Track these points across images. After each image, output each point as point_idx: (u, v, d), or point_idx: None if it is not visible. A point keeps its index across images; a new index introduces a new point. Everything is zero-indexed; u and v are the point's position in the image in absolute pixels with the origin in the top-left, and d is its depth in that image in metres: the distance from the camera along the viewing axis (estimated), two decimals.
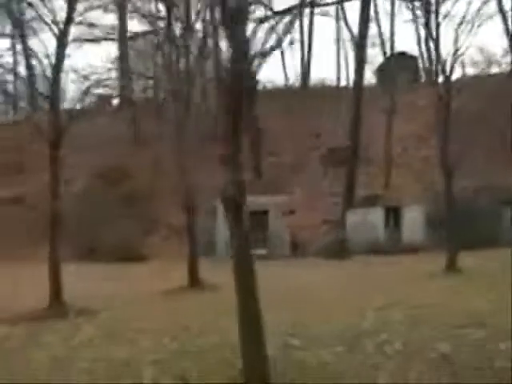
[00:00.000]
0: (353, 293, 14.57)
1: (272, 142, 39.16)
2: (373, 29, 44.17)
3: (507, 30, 44.48)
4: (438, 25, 21.04)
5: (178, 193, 34.95)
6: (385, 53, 44.41)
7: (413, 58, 46.88)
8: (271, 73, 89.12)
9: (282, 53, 48.98)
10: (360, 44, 35.94)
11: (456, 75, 47.92)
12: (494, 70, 49.51)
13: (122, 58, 40.06)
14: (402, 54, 45.76)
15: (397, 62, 45.19)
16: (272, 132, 40.10)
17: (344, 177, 33.03)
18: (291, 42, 42.57)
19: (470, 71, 58.27)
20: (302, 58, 47.78)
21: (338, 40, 50.31)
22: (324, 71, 69.67)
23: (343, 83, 50.10)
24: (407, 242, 29.48)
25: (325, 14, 48.29)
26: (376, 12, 44.77)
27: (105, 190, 35.09)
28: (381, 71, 45.87)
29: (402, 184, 35.60)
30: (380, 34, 45.20)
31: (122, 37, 42.62)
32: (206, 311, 12.65)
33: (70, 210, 30.37)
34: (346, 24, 46.68)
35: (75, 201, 32.48)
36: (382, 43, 45.05)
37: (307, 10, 43.28)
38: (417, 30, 47.76)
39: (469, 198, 31.89)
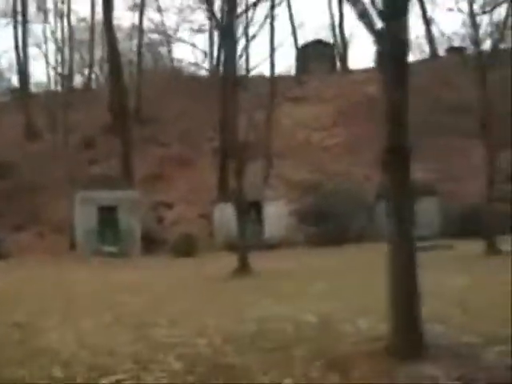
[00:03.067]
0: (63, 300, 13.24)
1: (166, 132, 38.02)
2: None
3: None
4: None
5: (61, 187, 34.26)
6: (296, 41, 43.08)
7: (329, 46, 45.52)
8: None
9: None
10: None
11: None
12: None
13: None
14: (319, 41, 44.44)
15: (313, 50, 43.96)
16: (169, 121, 38.94)
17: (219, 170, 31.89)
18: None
19: None
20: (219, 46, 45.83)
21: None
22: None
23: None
24: (269, 238, 28.41)
25: None
26: None
27: None
28: (297, 59, 44.63)
29: (288, 176, 34.34)
30: (292, 22, 43.67)
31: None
32: None
33: None
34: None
35: None
36: (294, 31, 43.62)
37: None
38: (331, 16, 46.51)
39: (345, 192, 30.68)
